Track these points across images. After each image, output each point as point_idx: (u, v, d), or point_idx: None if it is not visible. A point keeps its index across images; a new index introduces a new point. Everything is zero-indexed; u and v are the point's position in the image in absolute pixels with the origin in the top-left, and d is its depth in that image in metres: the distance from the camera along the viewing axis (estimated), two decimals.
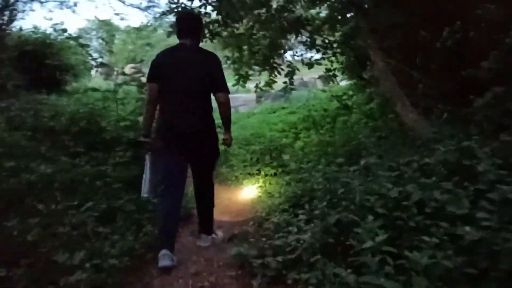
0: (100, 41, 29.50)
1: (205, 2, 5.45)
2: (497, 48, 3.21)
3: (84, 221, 2.90)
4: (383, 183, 2.47)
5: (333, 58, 6.80)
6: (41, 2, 10.27)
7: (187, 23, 3.24)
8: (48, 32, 9.41)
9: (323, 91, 11.65)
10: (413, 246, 2.01)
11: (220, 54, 5.17)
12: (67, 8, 11.13)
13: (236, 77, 6.22)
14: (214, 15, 5.74)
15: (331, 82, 7.80)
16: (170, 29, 5.99)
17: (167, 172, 3.06)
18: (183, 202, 3.23)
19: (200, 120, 3.02)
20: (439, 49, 4.64)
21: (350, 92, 8.13)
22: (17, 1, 8.68)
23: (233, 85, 5.62)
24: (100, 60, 21.52)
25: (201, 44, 3.31)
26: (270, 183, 4.51)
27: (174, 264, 2.81)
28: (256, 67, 6.69)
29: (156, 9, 12.99)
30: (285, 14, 5.79)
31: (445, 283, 1.77)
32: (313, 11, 6.55)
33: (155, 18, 14.31)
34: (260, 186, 4.64)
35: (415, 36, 5.23)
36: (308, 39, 6.03)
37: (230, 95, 3.09)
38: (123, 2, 11.29)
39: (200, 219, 3.35)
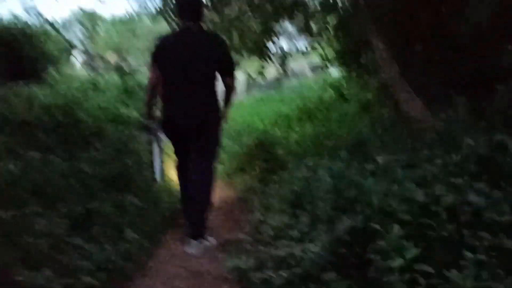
0: (84, 31, 28.74)
1: None
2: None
3: (54, 228, 2.49)
4: (405, 184, 2.11)
5: (326, 45, 6.44)
6: None
7: (189, 4, 3.08)
8: (26, 20, 8.90)
9: (314, 80, 11.34)
10: (450, 262, 1.66)
11: None
12: None
13: None
14: None
15: (323, 71, 7.47)
16: (155, 15, 5.59)
17: (179, 162, 3.11)
18: None
19: (208, 107, 2.96)
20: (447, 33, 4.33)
21: (344, 81, 7.79)
22: None
23: None
24: (82, 50, 20.84)
25: None
26: (264, 180, 4.14)
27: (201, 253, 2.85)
28: (246, 53, 6.30)
29: None
30: None
31: None
32: None
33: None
34: (254, 183, 4.26)
35: (419, 20, 4.91)
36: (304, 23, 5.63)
37: None
38: None
39: (191, 219, 3.02)
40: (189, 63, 2.86)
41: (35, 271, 2.05)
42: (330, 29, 6.10)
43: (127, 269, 2.45)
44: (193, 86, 2.88)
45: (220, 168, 5.17)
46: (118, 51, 22.24)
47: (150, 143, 3.30)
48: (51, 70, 9.38)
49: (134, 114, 5.49)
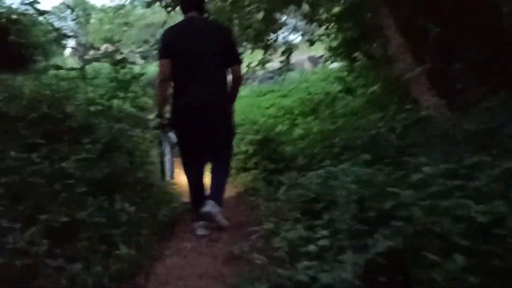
0: (75, 20, 28.15)
1: None
2: None
3: (32, 246, 2.10)
4: (457, 198, 1.74)
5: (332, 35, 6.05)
6: None
7: None
8: (11, 5, 8.41)
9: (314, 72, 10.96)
10: None
11: None
12: None
13: None
14: None
15: (323, 63, 7.09)
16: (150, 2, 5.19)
17: (188, 149, 3.06)
18: None
19: (221, 95, 2.98)
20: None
21: (345, 74, 7.38)
22: None
23: None
24: (74, 39, 20.26)
25: None
26: (271, 181, 3.76)
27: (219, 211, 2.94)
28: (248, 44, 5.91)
29: None
30: None
31: None
32: None
33: None
34: (258, 185, 3.88)
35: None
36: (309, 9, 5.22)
37: None
38: None
39: (212, 186, 3.12)
40: (201, 51, 2.87)
41: None
42: (335, 17, 5.71)
43: None
44: (207, 74, 2.88)
45: None
46: (110, 40, 21.67)
47: (161, 141, 3.27)
48: (39, 58, 8.95)
49: (128, 107, 5.10)
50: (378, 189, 2.29)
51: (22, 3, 8.19)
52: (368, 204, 2.30)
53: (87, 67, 4.42)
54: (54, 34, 9.38)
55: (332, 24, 5.64)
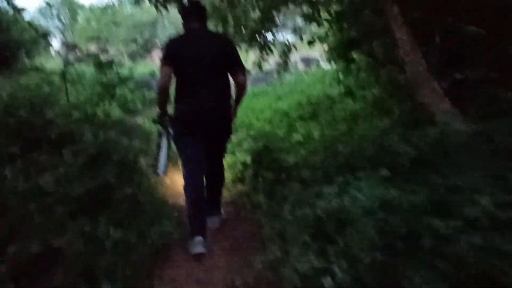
0: (62, 19, 27.59)
1: None
2: None
3: None
4: None
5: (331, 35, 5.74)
6: None
7: (195, 8, 3.21)
8: None
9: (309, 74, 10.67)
10: None
11: None
12: None
13: None
14: None
15: (317, 64, 6.78)
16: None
17: (189, 157, 2.99)
18: None
19: (222, 103, 2.99)
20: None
21: (344, 75, 7.06)
22: None
23: None
24: (60, 39, 19.73)
25: None
26: (273, 194, 3.42)
27: (207, 251, 2.75)
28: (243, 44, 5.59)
29: None
30: None
31: None
32: None
33: None
34: (258, 198, 3.53)
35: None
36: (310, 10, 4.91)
37: None
38: None
39: (209, 199, 3.16)
40: (204, 59, 2.89)
41: None
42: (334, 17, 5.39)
43: None
44: (208, 83, 2.89)
45: None
46: (97, 40, 21.18)
47: (160, 133, 3.19)
48: (22, 59, 8.53)
49: (114, 112, 4.74)
50: (406, 213, 1.98)
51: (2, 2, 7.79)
52: (390, 229, 2.00)
53: (69, 68, 4.03)
54: (38, 33, 8.98)
55: (331, 24, 5.31)
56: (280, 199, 3.27)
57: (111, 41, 21.61)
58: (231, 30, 5.38)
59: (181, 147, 3.05)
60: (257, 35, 5.56)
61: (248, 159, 4.01)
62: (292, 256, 2.32)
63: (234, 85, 3.07)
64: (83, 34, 23.01)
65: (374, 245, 1.96)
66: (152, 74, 14.02)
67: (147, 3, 5.24)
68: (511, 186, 1.77)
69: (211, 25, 5.22)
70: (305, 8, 4.93)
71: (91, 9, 26.22)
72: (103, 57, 4.03)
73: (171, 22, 20.42)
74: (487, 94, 3.31)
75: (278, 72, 5.69)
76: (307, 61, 13.88)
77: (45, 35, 7.41)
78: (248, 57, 6.17)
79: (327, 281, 1.99)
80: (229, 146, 4.38)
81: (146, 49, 21.83)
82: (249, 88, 11.70)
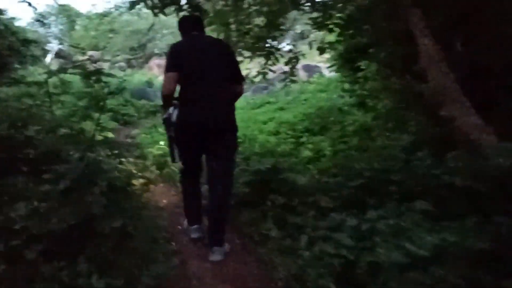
0: (60, 27, 27.36)
1: None
2: None
3: None
4: None
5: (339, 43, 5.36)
6: None
7: (194, 20, 3.32)
8: None
9: (309, 82, 10.29)
10: None
11: None
12: None
13: None
14: None
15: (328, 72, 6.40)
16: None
17: (188, 157, 3.05)
18: None
19: (227, 109, 2.94)
20: None
21: (353, 84, 6.66)
22: None
23: None
24: (58, 47, 19.33)
25: None
26: (284, 223, 2.99)
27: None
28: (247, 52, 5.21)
29: None
30: None
31: None
32: None
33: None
34: (266, 226, 3.08)
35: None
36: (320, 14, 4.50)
37: None
38: None
39: (212, 227, 2.95)
40: (209, 65, 2.88)
41: None
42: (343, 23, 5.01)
43: None
44: (212, 89, 2.86)
45: None
46: (94, 47, 20.84)
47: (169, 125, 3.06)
48: (16, 66, 8.13)
49: (108, 125, 4.30)
50: (465, 266, 1.55)
51: None
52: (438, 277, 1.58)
53: (55, 79, 3.60)
54: (32, 41, 8.62)
55: (342, 30, 4.92)
56: (293, 229, 2.85)
57: (108, 49, 21.29)
58: (233, 37, 5.00)
59: (182, 147, 3.06)
60: (262, 43, 5.19)
61: (254, 179, 3.57)
62: None
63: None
64: (81, 42, 22.66)
65: None
66: (149, 83, 13.64)
67: (144, 9, 4.89)
68: None
69: (212, 32, 4.84)
70: (315, 14, 4.53)
71: (89, 17, 25.93)
72: (93, 66, 3.64)
73: (172, 33, 20.07)
74: None
75: (284, 81, 5.29)
76: (309, 69, 13.49)
77: (32, 42, 7.03)
78: (250, 65, 5.80)
79: None
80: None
81: (143, 57, 21.52)
82: (250, 98, 11.34)
